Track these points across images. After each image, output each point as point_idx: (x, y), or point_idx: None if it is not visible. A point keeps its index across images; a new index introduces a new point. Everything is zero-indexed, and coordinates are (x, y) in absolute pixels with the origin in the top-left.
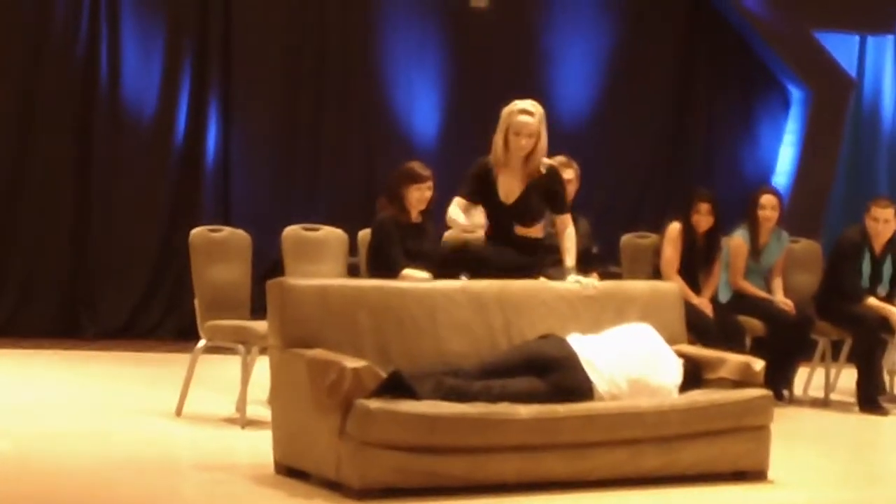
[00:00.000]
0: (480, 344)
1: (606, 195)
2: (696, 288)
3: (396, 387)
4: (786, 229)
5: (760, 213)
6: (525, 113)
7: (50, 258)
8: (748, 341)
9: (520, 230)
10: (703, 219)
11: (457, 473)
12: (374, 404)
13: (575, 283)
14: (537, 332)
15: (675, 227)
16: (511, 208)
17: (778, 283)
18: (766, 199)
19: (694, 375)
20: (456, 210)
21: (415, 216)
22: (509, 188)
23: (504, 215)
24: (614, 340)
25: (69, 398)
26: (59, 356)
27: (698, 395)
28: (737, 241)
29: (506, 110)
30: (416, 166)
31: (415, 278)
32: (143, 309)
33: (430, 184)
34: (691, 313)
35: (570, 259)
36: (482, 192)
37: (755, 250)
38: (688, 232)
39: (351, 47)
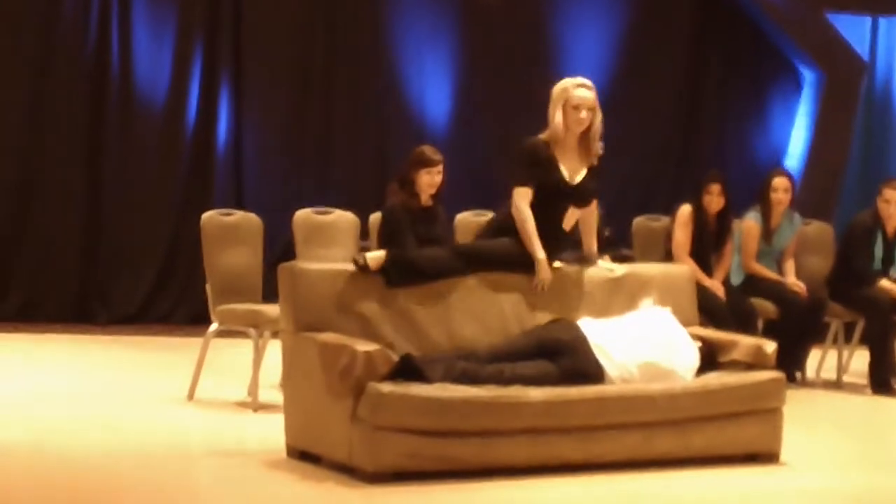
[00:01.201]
0: (492, 329)
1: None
2: (708, 270)
3: (408, 371)
4: (799, 212)
5: (773, 195)
6: (583, 87)
7: (62, 245)
8: (760, 324)
9: (571, 214)
10: (715, 200)
11: (468, 457)
12: (387, 388)
13: (608, 270)
14: (550, 317)
15: (685, 210)
16: (575, 189)
17: (790, 266)
18: (779, 182)
19: (710, 358)
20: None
21: (425, 200)
22: (572, 168)
23: (565, 196)
24: (627, 325)
25: (82, 385)
26: (72, 343)
27: (710, 379)
28: (749, 223)
29: (559, 86)
30: (428, 150)
31: None
32: (156, 295)
33: (440, 168)
34: (703, 296)
35: (594, 243)
36: (539, 174)
37: (767, 233)
38: (699, 214)
39: (363, 31)
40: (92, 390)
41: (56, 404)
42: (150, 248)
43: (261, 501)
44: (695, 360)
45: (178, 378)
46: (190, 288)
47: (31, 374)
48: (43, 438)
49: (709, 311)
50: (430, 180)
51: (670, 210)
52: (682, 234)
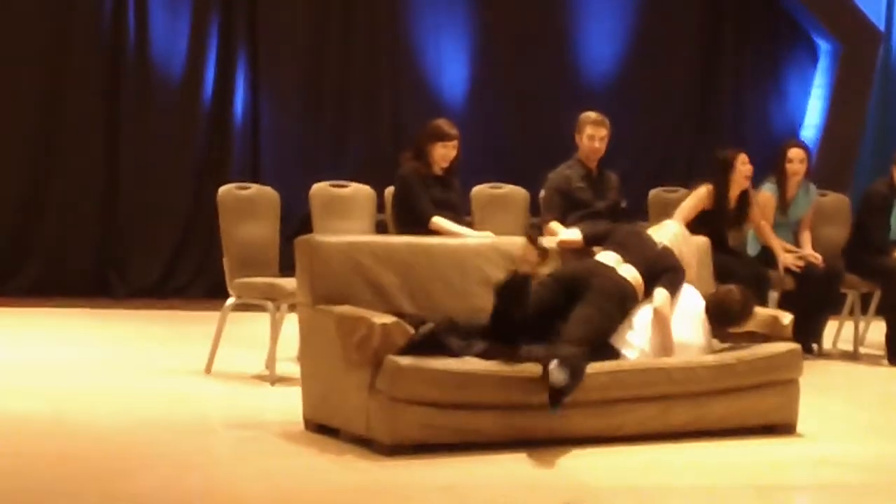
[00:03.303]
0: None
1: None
2: (724, 245)
3: (430, 343)
4: (815, 183)
5: (788, 166)
6: None
7: (80, 218)
8: (776, 295)
9: None
10: (743, 172)
11: (486, 429)
12: (405, 361)
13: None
14: None
15: (704, 189)
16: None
17: (807, 237)
18: (794, 153)
19: (721, 315)
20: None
21: (437, 172)
22: None
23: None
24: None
25: (101, 357)
26: (91, 316)
27: (727, 352)
28: (765, 195)
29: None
30: (444, 124)
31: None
32: (174, 268)
33: (455, 143)
34: (717, 264)
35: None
36: None
37: (783, 204)
38: (719, 195)
39: (379, 4)
40: (110, 362)
41: (75, 376)
42: (167, 222)
43: (279, 474)
44: (703, 339)
45: (195, 351)
46: (207, 261)
47: (49, 347)
48: (62, 409)
49: (725, 280)
50: (444, 153)
51: (687, 181)
52: (690, 203)
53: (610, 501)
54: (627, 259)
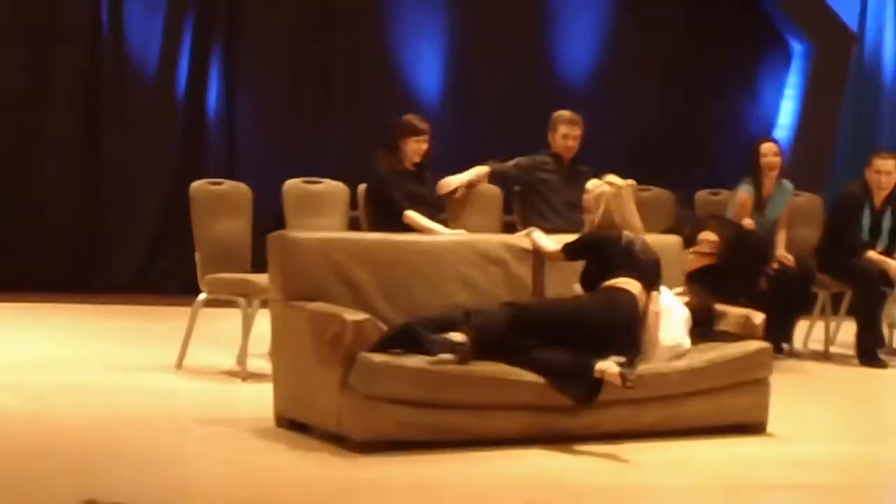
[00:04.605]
0: (486, 298)
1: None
2: None
3: (405, 338)
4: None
5: (763, 160)
6: None
7: (57, 214)
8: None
9: None
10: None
11: (460, 428)
12: (378, 358)
13: None
14: (544, 287)
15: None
16: None
17: (782, 237)
18: (767, 147)
19: (703, 314)
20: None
21: (409, 167)
22: None
23: None
24: None
25: (75, 353)
26: (67, 311)
27: (698, 356)
28: (741, 195)
29: None
30: (415, 119)
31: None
32: (150, 264)
33: (427, 137)
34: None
35: None
36: None
37: (760, 203)
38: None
39: (358, 1)
40: (84, 358)
41: (48, 372)
42: (143, 218)
43: (251, 470)
44: (680, 339)
45: (168, 347)
46: (183, 257)
47: (23, 343)
48: (35, 405)
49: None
50: (416, 148)
51: (658, 178)
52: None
53: (583, 500)
54: (645, 285)
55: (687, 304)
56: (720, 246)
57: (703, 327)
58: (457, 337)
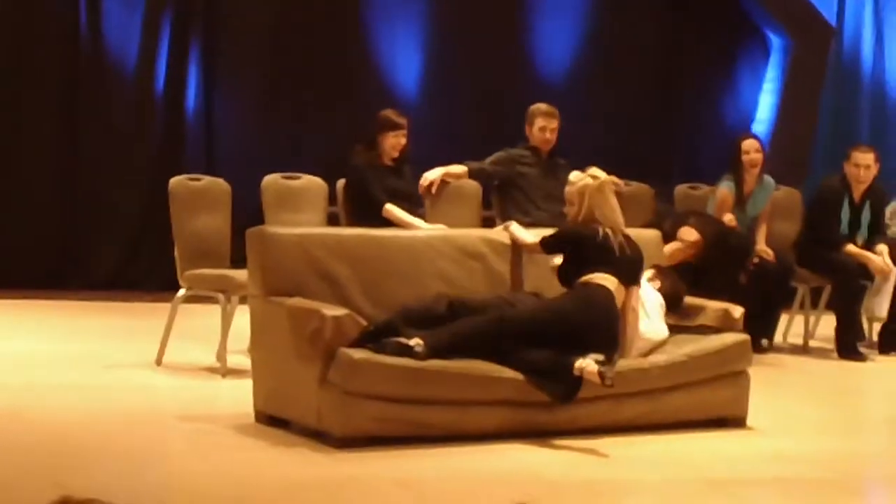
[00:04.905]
0: (465, 292)
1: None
2: None
3: (386, 335)
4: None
5: (745, 157)
6: None
7: (36, 211)
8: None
9: None
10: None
11: (439, 423)
12: (358, 354)
13: None
14: (522, 281)
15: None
16: None
17: (762, 233)
18: (749, 144)
19: (674, 299)
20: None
21: (388, 162)
22: None
23: None
24: None
25: (55, 350)
26: (46, 309)
27: (676, 349)
28: (722, 192)
29: None
30: (392, 114)
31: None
32: (129, 261)
33: (404, 131)
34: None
35: None
36: None
37: (741, 200)
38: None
39: None
40: (64, 355)
41: (28, 369)
42: (123, 215)
43: (231, 466)
44: (658, 331)
45: (148, 343)
46: (162, 253)
47: (4, 340)
48: (15, 403)
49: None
50: (394, 142)
51: (636, 174)
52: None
53: (563, 494)
54: (623, 281)
55: (659, 289)
56: (701, 243)
57: (674, 310)
58: (412, 341)
